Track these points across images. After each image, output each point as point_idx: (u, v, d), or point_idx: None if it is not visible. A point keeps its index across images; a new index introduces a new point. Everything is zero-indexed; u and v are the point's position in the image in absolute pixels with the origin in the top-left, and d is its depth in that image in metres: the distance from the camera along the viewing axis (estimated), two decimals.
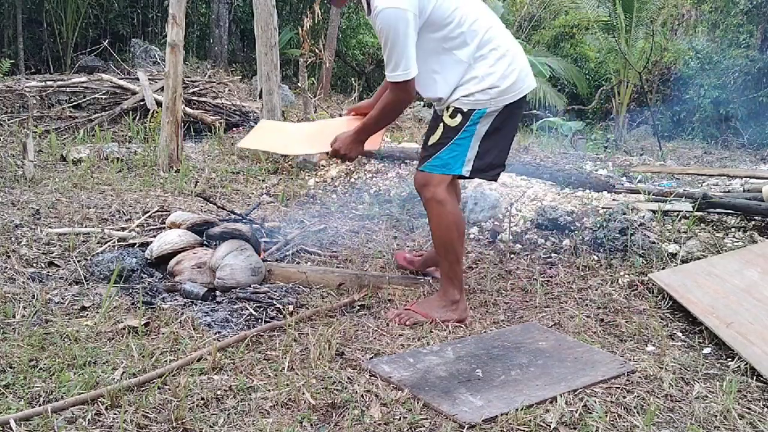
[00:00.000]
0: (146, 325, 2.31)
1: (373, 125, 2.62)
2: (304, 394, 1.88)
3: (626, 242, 3.16)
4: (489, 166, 2.55)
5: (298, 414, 1.80)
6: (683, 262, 3.02)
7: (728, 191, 4.24)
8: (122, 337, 2.22)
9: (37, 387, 1.85)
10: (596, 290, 2.86)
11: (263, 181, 4.90)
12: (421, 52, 2.39)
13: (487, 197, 3.88)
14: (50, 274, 2.76)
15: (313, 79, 9.90)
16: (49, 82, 7.08)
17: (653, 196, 3.85)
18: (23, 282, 2.62)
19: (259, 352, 2.17)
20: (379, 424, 1.77)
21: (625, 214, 3.34)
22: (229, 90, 8.23)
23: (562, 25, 13.33)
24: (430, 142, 2.55)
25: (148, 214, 3.58)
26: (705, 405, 1.92)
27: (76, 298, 2.54)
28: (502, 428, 1.76)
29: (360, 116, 2.80)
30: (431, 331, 2.41)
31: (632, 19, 9.49)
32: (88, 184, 4.25)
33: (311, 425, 1.76)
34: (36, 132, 5.71)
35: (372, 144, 2.77)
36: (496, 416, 1.80)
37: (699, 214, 3.52)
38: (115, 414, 1.75)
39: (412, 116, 8.24)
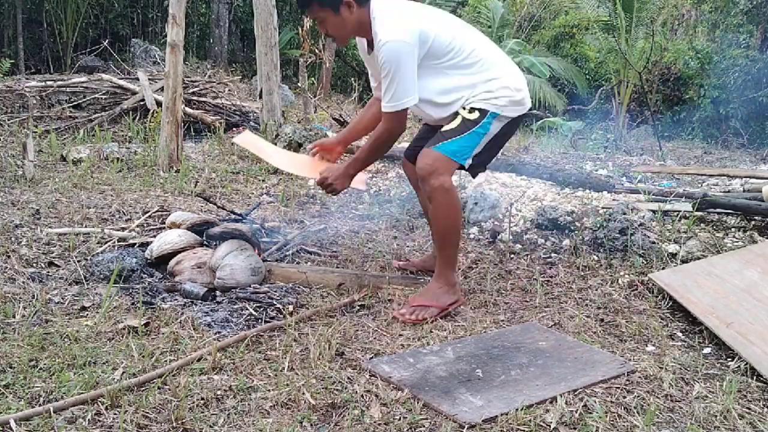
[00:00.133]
0: (146, 325, 2.31)
1: (365, 158, 2.73)
2: (304, 394, 1.88)
3: (626, 242, 3.16)
4: (480, 164, 2.68)
5: (298, 414, 1.80)
6: (683, 262, 3.02)
7: (728, 191, 4.24)
8: (122, 337, 2.22)
9: (37, 387, 1.85)
10: (596, 290, 2.86)
11: (263, 181, 4.90)
12: (431, 78, 2.52)
13: (487, 197, 3.88)
14: (50, 274, 2.76)
15: (313, 79, 9.90)
16: (49, 82, 7.09)
17: (653, 196, 3.85)
18: (23, 282, 2.62)
19: (259, 352, 2.17)
20: (379, 424, 1.77)
21: (625, 214, 3.34)
22: (229, 90, 8.23)
23: (562, 25, 13.33)
24: (445, 129, 2.57)
25: (148, 214, 3.58)
26: (705, 405, 1.92)
27: (76, 298, 2.54)
28: (502, 428, 1.76)
29: (326, 153, 2.94)
30: (431, 331, 2.41)
31: (632, 19, 9.50)
32: (88, 184, 4.25)
33: (311, 425, 1.76)
34: (36, 132, 5.71)
35: (359, 183, 2.86)
36: (496, 416, 1.80)
37: (699, 214, 3.53)
38: (115, 414, 1.75)
39: (412, 116, 8.24)
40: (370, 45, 2.59)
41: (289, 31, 11.99)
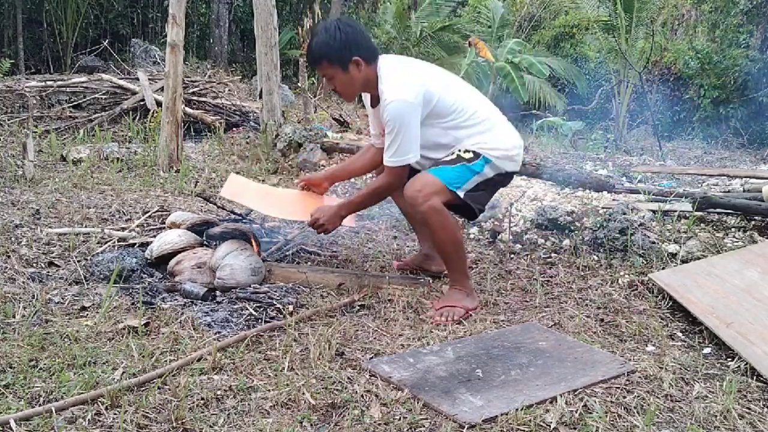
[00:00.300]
0: (146, 325, 2.31)
1: (359, 204, 2.86)
2: (304, 394, 1.88)
3: (626, 242, 3.16)
4: (474, 203, 2.66)
5: (298, 414, 1.80)
6: (683, 262, 3.02)
7: (728, 191, 4.24)
8: (122, 337, 2.22)
9: (37, 387, 1.85)
10: (596, 290, 2.86)
11: (263, 181, 4.91)
12: (433, 134, 2.61)
13: None
14: (50, 274, 2.76)
15: (313, 79, 9.90)
16: (49, 82, 7.09)
17: (653, 196, 3.85)
18: (23, 282, 2.62)
19: (259, 352, 2.17)
20: (379, 424, 1.77)
21: (625, 214, 3.34)
22: (229, 90, 8.24)
23: (562, 25, 13.32)
24: (442, 159, 2.65)
25: (148, 214, 3.58)
26: (705, 405, 1.92)
27: (76, 298, 2.54)
28: (502, 428, 1.76)
29: (314, 187, 3.03)
30: (431, 331, 2.41)
31: (632, 19, 9.49)
32: (88, 184, 4.25)
33: (311, 425, 1.76)
34: (36, 132, 5.72)
35: (349, 220, 2.94)
36: (496, 416, 1.80)
37: (699, 214, 3.53)
38: (115, 414, 1.75)
39: None
40: (375, 99, 2.66)
41: (289, 31, 11.99)
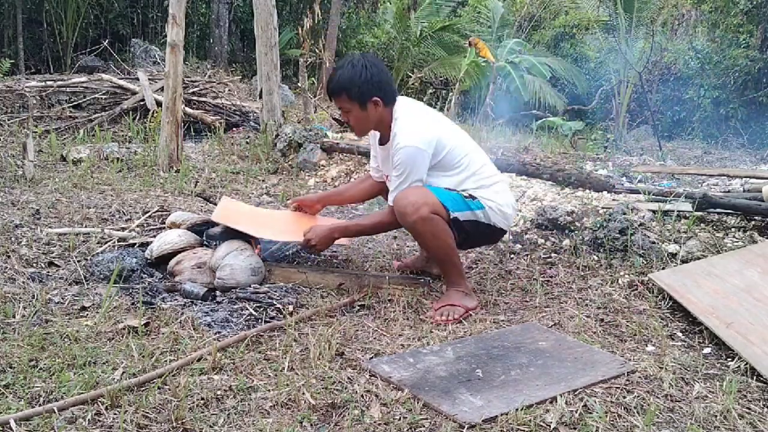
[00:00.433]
0: (146, 325, 2.31)
1: (354, 233, 2.94)
2: (304, 394, 1.88)
3: (626, 242, 3.16)
4: (461, 236, 2.65)
5: (298, 414, 1.80)
6: (683, 262, 3.02)
7: (728, 191, 4.24)
8: (122, 337, 2.22)
9: (37, 387, 1.85)
10: (596, 290, 2.86)
11: (263, 181, 4.91)
12: (437, 181, 2.63)
13: None
14: (50, 274, 2.76)
15: (313, 79, 9.91)
16: (49, 82, 7.09)
17: (653, 196, 3.85)
18: (23, 282, 2.62)
19: (259, 352, 2.17)
20: (379, 424, 1.77)
21: (625, 214, 3.34)
22: (229, 90, 8.24)
23: (562, 25, 13.33)
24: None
25: (148, 214, 3.58)
26: (705, 405, 1.92)
27: (76, 298, 2.54)
28: (502, 428, 1.76)
29: (306, 208, 3.11)
30: (431, 331, 2.41)
31: (632, 19, 9.50)
32: (88, 184, 4.25)
33: (311, 425, 1.76)
34: (36, 132, 5.72)
35: (342, 240, 3.02)
36: (496, 416, 1.80)
37: (699, 214, 3.52)
38: (115, 414, 1.75)
39: None
40: (384, 138, 2.71)
41: (289, 31, 11.99)
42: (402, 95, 2.76)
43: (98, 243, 3.11)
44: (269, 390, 1.92)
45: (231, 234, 2.91)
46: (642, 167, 5.41)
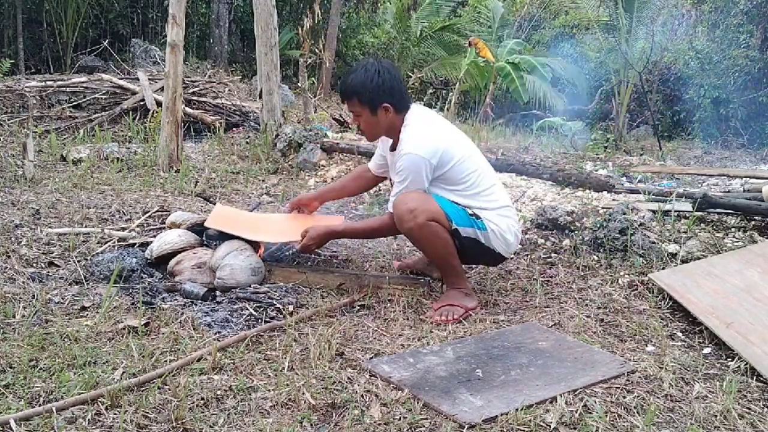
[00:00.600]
0: (146, 325, 2.31)
1: (353, 235, 2.98)
2: (304, 394, 1.88)
3: (626, 242, 3.16)
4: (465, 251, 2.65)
5: (298, 414, 1.80)
6: (683, 262, 3.02)
7: (728, 191, 4.24)
8: (122, 337, 2.22)
9: (37, 387, 1.85)
10: (596, 290, 2.86)
11: (263, 181, 4.91)
12: (444, 196, 2.61)
13: None
14: (50, 274, 2.76)
15: (313, 79, 9.91)
16: (49, 82, 7.09)
17: (653, 196, 3.85)
18: (23, 282, 2.62)
19: (259, 352, 2.17)
20: (379, 424, 1.77)
21: (625, 214, 3.34)
22: (229, 90, 8.23)
23: (562, 25, 13.32)
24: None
25: (148, 214, 3.58)
26: (705, 405, 1.92)
27: (76, 298, 2.54)
28: (502, 428, 1.76)
29: (304, 207, 3.11)
30: (431, 331, 2.41)
31: (632, 19, 9.49)
32: (88, 184, 4.25)
33: (311, 425, 1.76)
34: (36, 132, 5.72)
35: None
36: (496, 416, 1.80)
37: (699, 214, 3.52)
38: (115, 414, 1.75)
39: None
40: (395, 144, 2.69)
41: (289, 31, 11.99)
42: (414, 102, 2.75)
43: (98, 243, 3.11)
44: (269, 390, 1.92)
45: (231, 234, 2.91)
46: (642, 167, 5.41)
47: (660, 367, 2.14)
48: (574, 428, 1.78)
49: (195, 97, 7.29)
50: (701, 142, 10.40)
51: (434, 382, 1.99)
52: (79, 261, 2.90)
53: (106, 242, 3.13)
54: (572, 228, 3.48)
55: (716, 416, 1.86)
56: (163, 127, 4.91)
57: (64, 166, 4.83)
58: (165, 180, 4.52)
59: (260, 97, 6.02)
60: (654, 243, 3.17)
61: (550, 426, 1.77)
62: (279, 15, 6.27)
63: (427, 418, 1.81)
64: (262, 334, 2.30)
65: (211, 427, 1.72)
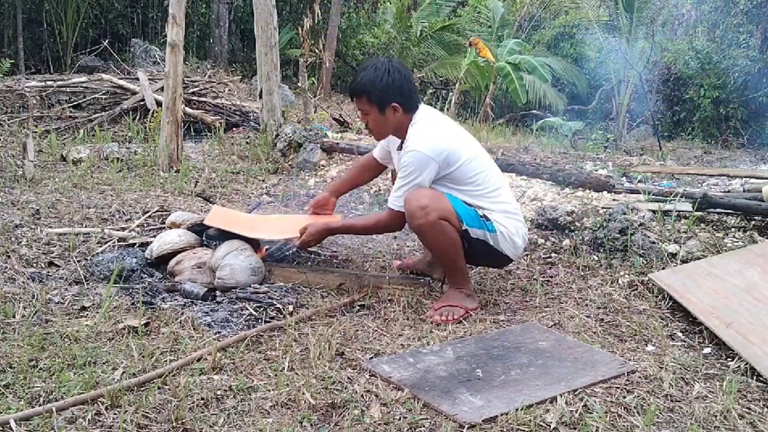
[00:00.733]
0: (146, 325, 2.31)
1: (351, 231, 3.03)
2: (304, 394, 1.88)
3: (626, 242, 3.16)
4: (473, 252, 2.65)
5: (298, 414, 1.80)
6: (683, 262, 3.02)
7: (728, 191, 4.24)
8: (122, 337, 2.22)
9: (37, 387, 1.85)
10: (596, 290, 2.86)
11: (263, 181, 4.91)
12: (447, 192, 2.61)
13: None
14: (50, 274, 2.76)
15: (313, 79, 9.90)
16: (49, 82, 7.08)
17: (653, 196, 3.85)
18: (23, 282, 2.62)
19: (259, 352, 2.17)
20: (379, 424, 1.77)
21: (625, 214, 3.34)
22: (229, 90, 8.23)
23: (562, 25, 13.32)
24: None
25: (148, 214, 3.58)
26: (705, 405, 1.92)
27: (76, 298, 2.54)
28: (502, 428, 1.76)
29: (322, 209, 3.08)
30: (431, 331, 2.41)
31: (632, 19, 9.49)
32: (88, 184, 4.25)
33: (311, 425, 1.76)
34: (36, 132, 5.71)
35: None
36: (496, 416, 1.80)
37: (699, 214, 3.52)
38: (115, 414, 1.75)
39: None
40: (401, 144, 2.68)
41: (289, 31, 11.99)
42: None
43: (98, 243, 3.11)
44: (269, 390, 1.92)
45: (231, 234, 2.91)
46: (642, 167, 5.41)
47: (660, 367, 2.14)
48: (574, 428, 1.78)
49: (195, 97, 7.29)
50: (701, 142, 10.40)
51: (434, 382, 1.99)
52: (79, 261, 2.90)
53: (106, 242, 3.13)
54: (572, 228, 3.48)
55: (716, 416, 1.86)
56: (163, 127, 4.90)
57: (64, 166, 4.83)
58: (165, 180, 4.52)
59: (260, 97, 6.01)
60: (654, 243, 3.17)
61: (550, 426, 1.77)
62: (279, 15, 6.26)
63: (427, 418, 1.81)
64: (262, 334, 2.30)
65: (211, 427, 1.72)
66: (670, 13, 13.47)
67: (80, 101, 6.94)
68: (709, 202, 3.53)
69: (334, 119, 7.23)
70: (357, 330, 2.39)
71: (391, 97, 2.56)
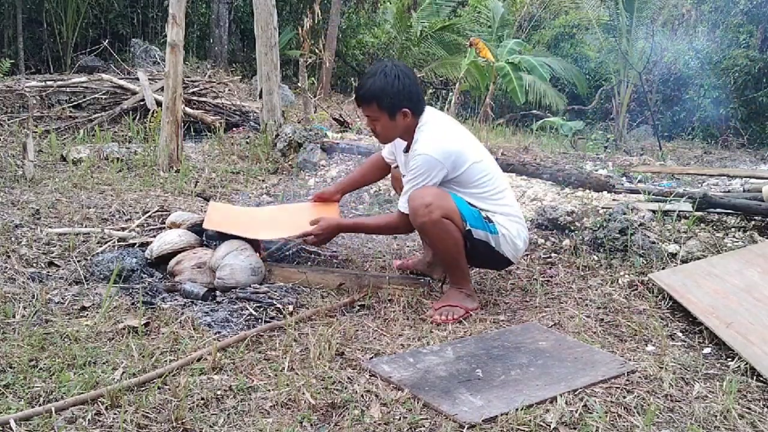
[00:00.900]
0: (146, 325, 2.31)
1: (362, 230, 3.13)
2: (304, 394, 1.88)
3: (626, 242, 3.16)
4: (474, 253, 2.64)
5: (298, 414, 1.80)
6: (683, 262, 3.02)
7: (728, 191, 4.23)
8: (122, 337, 2.22)
9: (37, 387, 1.85)
10: (596, 290, 2.86)
11: (263, 181, 4.91)
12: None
13: None
14: (50, 274, 2.76)
15: (313, 79, 9.90)
16: (49, 82, 7.08)
17: (653, 196, 3.85)
18: (23, 282, 2.62)
19: (259, 352, 2.17)
20: (379, 424, 1.77)
21: (625, 214, 3.34)
22: (229, 90, 8.22)
23: (562, 25, 13.32)
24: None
25: (148, 214, 3.58)
26: (705, 405, 1.92)
27: (76, 298, 2.54)
28: (502, 428, 1.76)
29: (325, 200, 3.11)
30: (431, 331, 2.41)
31: (632, 19, 9.49)
32: (88, 184, 4.25)
33: (311, 425, 1.76)
34: (36, 132, 5.71)
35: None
36: (496, 416, 1.80)
37: (699, 214, 3.52)
38: (115, 414, 1.75)
39: None
40: (409, 146, 2.68)
41: (289, 31, 11.99)
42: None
43: (98, 243, 3.11)
44: (269, 390, 1.92)
45: (230, 234, 2.91)
46: (642, 167, 5.41)
47: (660, 367, 2.14)
48: (574, 428, 1.78)
49: (195, 97, 7.29)
50: (701, 142, 10.40)
51: (434, 382, 1.99)
52: (79, 261, 2.90)
53: (106, 242, 3.13)
54: (572, 228, 3.48)
55: (716, 416, 1.86)
56: (163, 127, 4.90)
57: (64, 166, 4.83)
58: (165, 180, 4.52)
59: (260, 97, 6.01)
60: (654, 243, 3.17)
61: (550, 426, 1.77)
62: (279, 15, 6.26)
63: (427, 418, 1.81)
64: (262, 334, 2.30)
65: (211, 427, 1.72)
66: (670, 13, 13.46)
67: (80, 101, 6.94)
68: (709, 202, 3.53)
69: (334, 119, 7.23)
70: (357, 330, 2.39)
71: (402, 103, 2.55)
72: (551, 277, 3.04)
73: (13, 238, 3.05)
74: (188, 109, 6.71)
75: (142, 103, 6.73)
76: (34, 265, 2.83)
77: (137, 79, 7.25)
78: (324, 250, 3.30)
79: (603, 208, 3.68)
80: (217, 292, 2.67)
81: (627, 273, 3.00)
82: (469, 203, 2.59)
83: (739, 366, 2.17)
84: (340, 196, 3.17)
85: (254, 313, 2.49)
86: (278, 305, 2.55)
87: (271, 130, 5.76)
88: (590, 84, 12.39)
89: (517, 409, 1.82)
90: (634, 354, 2.26)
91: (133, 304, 2.51)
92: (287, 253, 3.16)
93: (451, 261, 2.63)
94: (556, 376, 2.05)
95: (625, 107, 9.53)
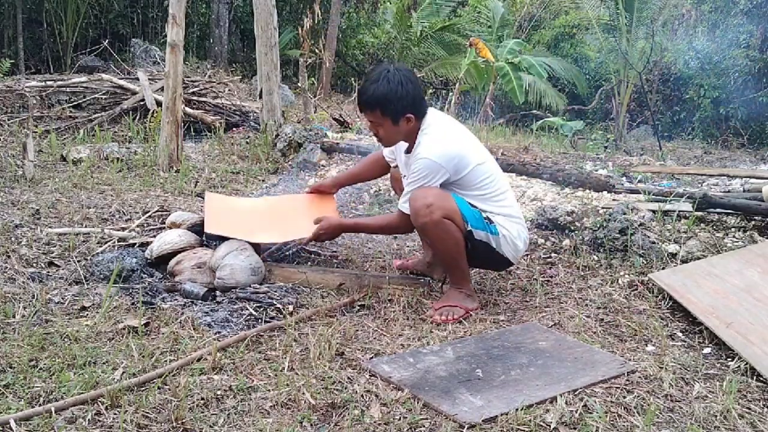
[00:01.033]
0: (146, 325, 2.31)
1: (363, 230, 3.16)
2: (304, 394, 1.88)
3: (626, 242, 3.16)
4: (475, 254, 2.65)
5: (298, 414, 1.80)
6: (683, 262, 3.02)
7: (728, 191, 4.23)
8: (122, 337, 2.22)
9: (37, 387, 1.85)
10: (596, 290, 2.86)
11: (263, 181, 4.91)
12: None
13: None
14: (50, 274, 2.76)
15: (313, 79, 9.90)
16: (49, 82, 7.08)
17: (653, 196, 3.85)
18: (23, 282, 2.62)
19: (259, 352, 2.17)
20: (379, 424, 1.77)
21: (625, 214, 3.34)
22: (229, 90, 8.22)
23: (562, 25, 13.32)
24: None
25: (148, 214, 3.58)
26: (705, 405, 1.92)
27: (76, 298, 2.54)
28: (502, 428, 1.76)
29: (322, 193, 3.16)
30: (431, 331, 2.41)
31: (632, 19, 9.49)
32: (88, 184, 4.25)
33: (311, 425, 1.76)
34: (36, 132, 5.71)
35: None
36: (496, 416, 1.80)
37: (699, 214, 3.52)
38: (115, 414, 1.75)
39: None
40: (411, 148, 2.68)
41: (289, 31, 11.99)
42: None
43: (98, 243, 3.11)
44: (269, 390, 1.92)
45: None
46: (642, 167, 5.41)
47: (660, 367, 2.14)
48: (574, 428, 1.78)
49: (195, 97, 7.29)
50: (701, 142, 10.40)
51: (434, 382, 1.99)
52: (79, 261, 2.90)
53: (106, 242, 3.13)
54: (572, 228, 3.48)
55: (716, 416, 1.86)
56: (163, 127, 4.90)
57: (64, 166, 4.83)
58: (165, 180, 4.52)
59: (260, 97, 6.02)
60: (654, 243, 3.17)
61: (550, 426, 1.77)
62: (279, 15, 6.27)
63: (427, 418, 1.81)
64: (262, 334, 2.30)
65: (211, 427, 1.72)
66: (670, 13, 13.45)
67: (80, 101, 6.94)
68: (709, 202, 3.53)
69: (334, 119, 7.23)
70: (357, 330, 2.39)
71: (406, 108, 2.54)
72: (551, 277, 3.04)
73: (13, 238, 3.05)
74: (188, 109, 6.72)
75: (142, 103, 6.73)
76: (34, 265, 2.83)
77: (137, 79, 7.25)
78: (324, 250, 3.30)
79: (603, 208, 3.68)
80: (217, 292, 2.67)
81: (627, 273, 3.00)
82: (470, 204, 2.59)
83: (739, 366, 2.17)
84: (336, 190, 3.21)
85: (254, 313, 2.49)
86: (278, 305, 2.55)
87: (271, 130, 5.76)
88: (590, 84, 12.39)
89: (517, 409, 1.82)
90: (634, 354, 2.26)
91: (133, 304, 2.51)
92: (287, 253, 3.16)
93: (451, 261, 2.63)
94: (556, 376, 2.05)
95: (625, 107, 9.53)
